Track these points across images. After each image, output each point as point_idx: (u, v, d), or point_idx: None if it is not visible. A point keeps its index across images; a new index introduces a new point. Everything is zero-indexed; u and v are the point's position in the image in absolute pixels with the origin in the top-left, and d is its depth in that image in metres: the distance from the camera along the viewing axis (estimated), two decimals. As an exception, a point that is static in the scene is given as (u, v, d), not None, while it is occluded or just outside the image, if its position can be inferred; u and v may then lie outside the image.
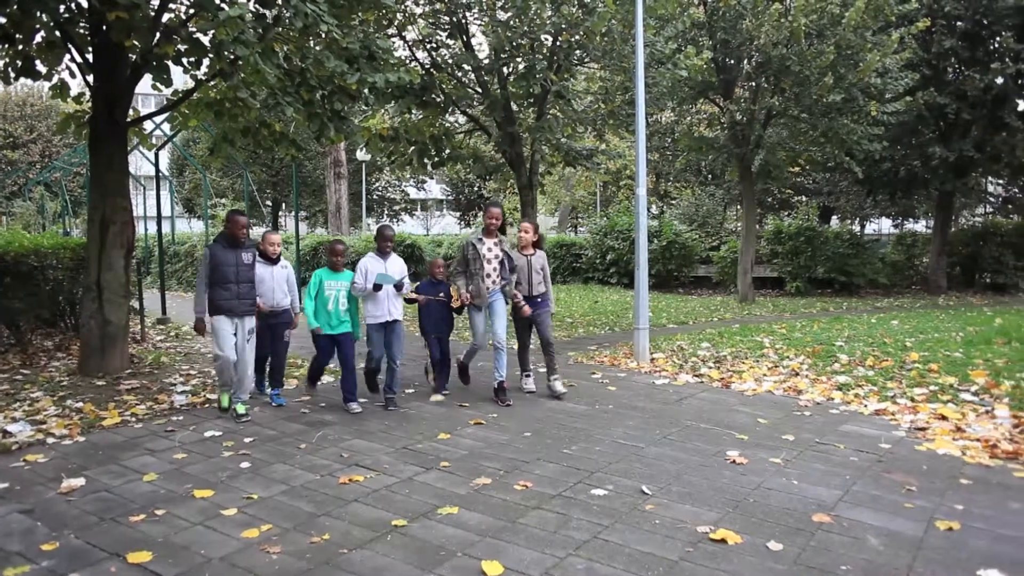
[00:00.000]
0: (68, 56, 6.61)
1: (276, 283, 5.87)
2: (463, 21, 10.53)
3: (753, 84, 14.25)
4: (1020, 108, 15.82)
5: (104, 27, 6.18)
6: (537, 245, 6.35)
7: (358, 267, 5.68)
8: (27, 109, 32.47)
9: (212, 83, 7.30)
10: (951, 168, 15.81)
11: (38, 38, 6.39)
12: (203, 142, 24.37)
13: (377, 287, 5.64)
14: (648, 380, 6.93)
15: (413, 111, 10.34)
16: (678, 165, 19.08)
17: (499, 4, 9.94)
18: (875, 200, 21.00)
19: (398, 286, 5.73)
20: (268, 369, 6.09)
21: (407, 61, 10.20)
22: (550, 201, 31.77)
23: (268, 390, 6.08)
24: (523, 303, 6.10)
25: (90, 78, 6.82)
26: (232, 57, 6.01)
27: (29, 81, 6.81)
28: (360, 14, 7.60)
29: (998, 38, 15.36)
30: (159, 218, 11.58)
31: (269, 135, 7.84)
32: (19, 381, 6.50)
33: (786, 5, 12.84)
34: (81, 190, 25.16)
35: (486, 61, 10.32)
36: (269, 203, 30.28)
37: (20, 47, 6.40)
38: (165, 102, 7.81)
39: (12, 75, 6.58)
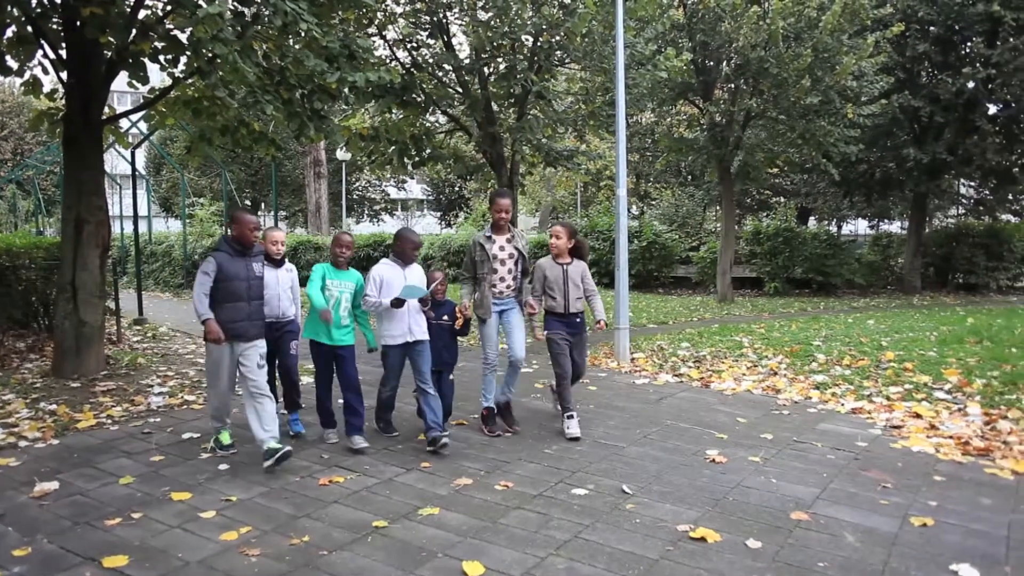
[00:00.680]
0: (41, 52, 6.49)
1: (281, 289, 4.91)
2: (444, 21, 10.51)
3: (732, 86, 14.37)
4: (990, 112, 16.16)
5: (78, 23, 6.09)
6: (576, 253, 5.18)
7: (370, 276, 4.65)
8: (-2, 106, 31.87)
9: (190, 81, 7.21)
10: (925, 170, 16.09)
11: (9, 33, 6.27)
12: (180, 140, 24.08)
13: (398, 303, 4.54)
14: (628, 380, 6.96)
15: (393, 111, 10.29)
16: (658, 166, 19.19)
17: (480, 4, 9.92)
18: (851, 201, 21.29)
19: (424, 300, 4.69)
20: (278, 390, 5.13)
21: (387, 60, 10.16)
22: (531, 201, 31.80)
23: (284, 415, 5.11)
24: (535, 314, 5.11)
25: (64, 75, 6.70)
26: (210, 55, 5.94)
27: (0, 77, 6.65)
28: (340, 13, 7.55)
29: (969, 43, 15.67)
30: (135, 217, 11.43)
31: (248, 134, 7.77)
32: (-10, 383, 6.37)
33: (764, 8, 12.98)
34: (55, 188, 24.74)
35: (467, 61, 10.30)
36: (248, 203, 29.97)
37: (-9, 42, 6.28)
38: (141, 100, 7.71)
39: (-18, 71, 6.45)
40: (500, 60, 10.04)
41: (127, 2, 6.25)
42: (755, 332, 9.82)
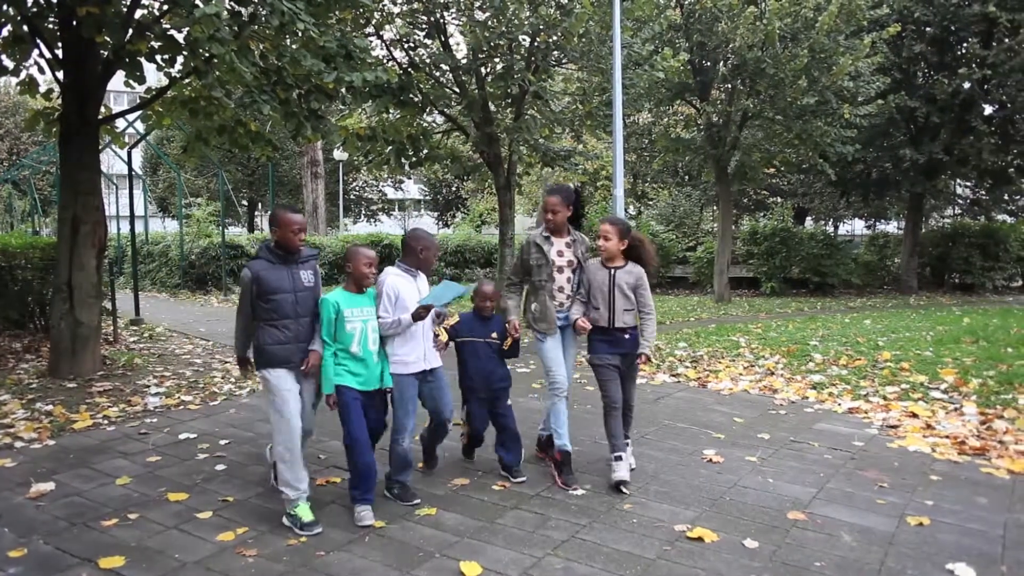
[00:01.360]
0: (37, 51, 6.47)
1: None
2: (441, 21, 10.51)
3: (729, 86, 14.40)
4: (986, 112, 16.21)
5: (74, 22, 6.07)
6: (633, 255, 4.17)
7: (384, 290, 3.71)
8: (-6, 105, 31.74)
9: (187, 81, 7.20)
10: (921, 170, 16.13)
11: (4, 32, 6.25)
12: (177, 140, 24.03)
13: (423, 311, 3.68)
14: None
15: (390, 111, 10.28)
16: (655, 166, 19.21)
17: (477, 4, 9.93)
18: (848, 201, 21.35)
19: (440, 314, 3.90)
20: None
21: (384, 60, 10.15)
22: (528, 202, 31.78)
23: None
24: (585, 332, 4.14)
25: (60, 74, 6.68)
26: (207, 55, 5.93)
27: (-4, 77, 6.63)
28: (337, 13, 7.56)
29: (965, 44, 15.72)
30: (132, 217, 11.40)
31: (245, 134, 7.75)
32: (-14, 384, 6.35)
33: (761, 9, 13.01)
34: (51, 188, 24.67)
35: (464, 61, 10.30)
36: (245, 203, 29.94)
37: (-13, 42, 6.27)
38: (138, 99, 7.69)
39: (-22, 70, 6.44)
40: (497, 60, 10.03)
41: (123, 2, 6.24)
42: (752, 332, 9.83)
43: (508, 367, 4.24)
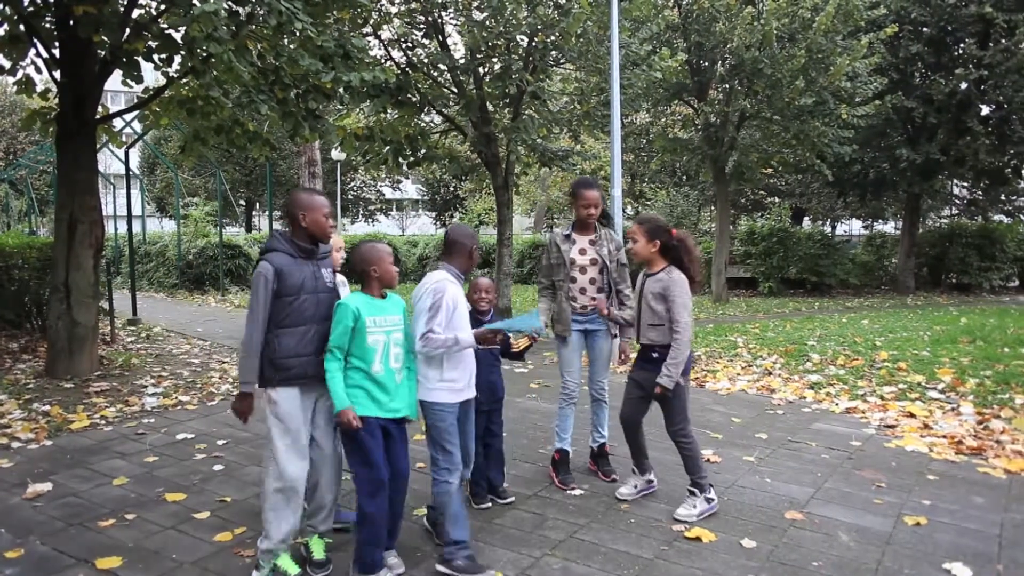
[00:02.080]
0: (33, 51, 6.46)
1: None
2: (439, 21, 10.50)
3: (726, 86, 14.42)
4: (983, 113, 16.25)
5: (71, 21, 6.06)
6: (671, 256, 3.66)
7: (444, 301, 3.05)
8: (-10, 105, 31.65)
9: (184, 81, 7.19)
10: (918, 171, 16.17)
11: (1, 31, 6.24)
12: (175, 140, 24.00)
13: (488, 338, 3.22)
14: (622, 380, 6.96)
15: (388, 110, 10.28)
16: (653, 166, 19.23)
17: (475, 4, 9.92)
18: (845, 202, 21.39)
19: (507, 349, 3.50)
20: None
21: (382, 60, 10.14)
22: (525, 201, 31.81)
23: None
24: (622, 324, 3.97)
25: (57, 74, 6.67)
26: (205, 54, 5.92)
27: (-7, 76, 6.60)
28: (335, 12, 7.54)
29: (962, 45, 15.76)
30: (129, 217, 11.38)
31: (242, 134, 7.75)
32: (-17, 384, 6.34)
33: (758, 9, 13.02)
34: (48, 188, 24.62)
35: (462, 61, 10.30)
36: (243, 203, 29.90)
37: (-17, 41, 6.25)
38: (135, 99, 7.68)
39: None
40: (495, 60, 10.04)
41: (120, 1, 6.22)
42: (750, 332, 9.84)
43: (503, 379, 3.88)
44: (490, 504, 3.74)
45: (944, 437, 4.90)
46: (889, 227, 27.97)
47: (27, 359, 7.55)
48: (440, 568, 2.97)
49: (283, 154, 26.18)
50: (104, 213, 7.19)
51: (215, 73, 6.37)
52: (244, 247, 16.45)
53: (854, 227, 31.68)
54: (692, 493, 3.66)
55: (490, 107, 10.70)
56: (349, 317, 2.90)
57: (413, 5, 10.31)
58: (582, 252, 4.07)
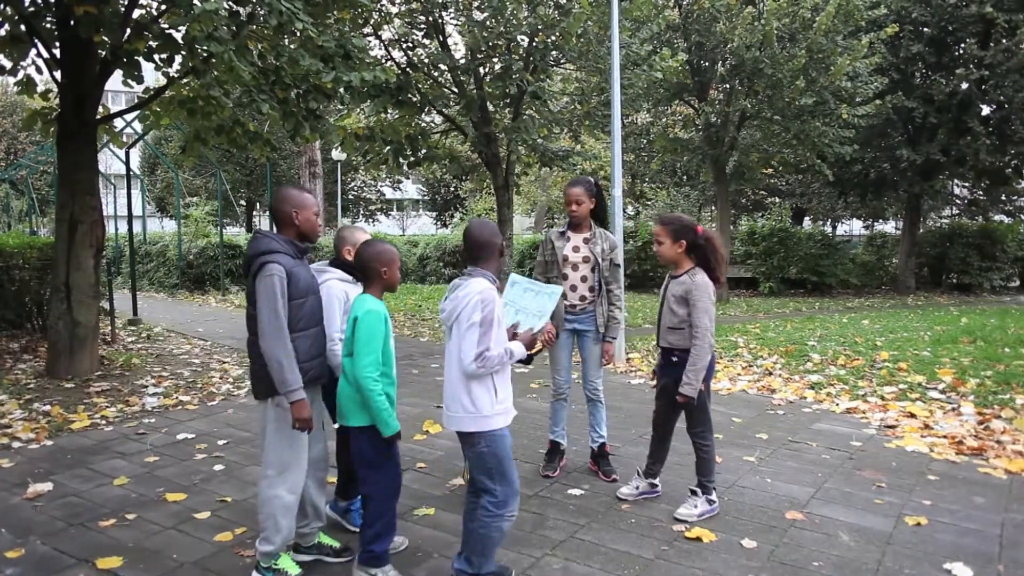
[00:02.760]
0: (34, 51, 6.46)
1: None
2: (439, 21, 10.51)
3: (727, 86, 14.42)
4: (983, 113, 16.24)
5: (72, 22, 6.06)
6: (696, 256, 3.56)
7: (495, 314, 2.74)
8: (-9, 105, 31.66)
9: (185, 81, 7.19)
10: (919, 171, 16.17)
11: (1, 32, 6.24)
12: (175, 140, 24.00)
13: (534, 343, 3.02)
14: (624, 380, 6.97)
15: (389, 110, 10.29)
16: (653, 166, 19.22)
17: (475, 4, 9.93)
18: (846, 201, 21.39)
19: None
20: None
21: (383, 60, 10.15)
22: (526, 201, 31.80)
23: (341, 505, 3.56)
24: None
25: (57, 74, 6.68)
26: (205, 54, 5.92)
27: (-6, 76, 6.60)
28: (335, 12, 7.54)
29: (962, 44, 15.75)
30: (130, 217, 11.39)
31: (243, 134, 7.75)
32: (-17, 384, 6.34)
33: (759, 9, 13.02)
34: (48, 188, 24.62)
35: (462, 61, 10.31)
36: (243, 203, 29.90)
37: (-17, 41, 6.25)
38: (136, 99, 7.68)
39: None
40: (496, 60, 10.05)
41: (121, 1, 6.23)
42: (750, 332, 9.84)
43: None
44: None
45: (945, 437, 4.89)
46: (890, 227, 27.97)
47: (28, 359, 7.56)
48: None
49: (283, 154, 26.19)
50: (105, 213, 7.19)
51: (216, 73, 6.37)
52: (245, 247, 16.43)
53: (854, 227, 31.68)
54: (694, 493, 3.66)
55: (490, 107, 10.71)
56: (383, 323, 2.81)
57: (413, 5, 10.31)
58: (575, 249, 4.09)
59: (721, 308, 13.75)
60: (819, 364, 7.42)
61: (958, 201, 24.57)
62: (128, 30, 6.08)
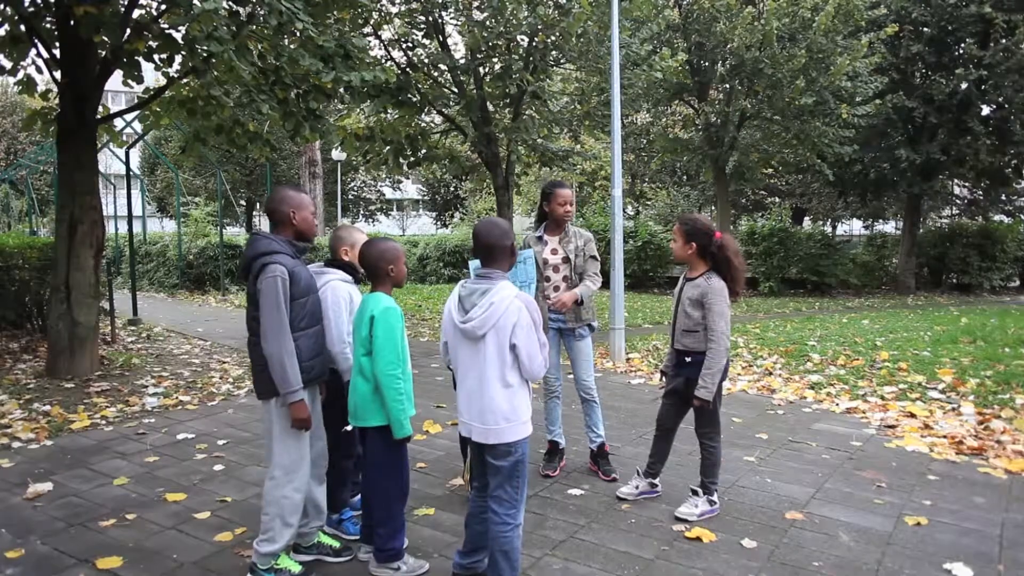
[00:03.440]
0: (34, 51, 6.47)
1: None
2: (439, 21, 10.51)
3: (727, 86, 14.43)
4: (983, 113, 16.25)
5: (72, 22, 6.06)
6: (709, 259, 3.54)
7: (533, 317, 2.67)
8: (-9, 105, 31.65)
9: (185, 81, 7.19)
10: (919, 171, 16.17)
11: (2, 32, 6.24)
12: (175, 140, 24.00)
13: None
14: (624, 380, 6.97)
15: (389, 110, 10.29)
16: (653, 166, 19.25)
17: (475, 4, 9.94)
18: (846, 201, 21.40)
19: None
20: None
21: (383, 60, 10.15)
22: (526, 202, 31.80)
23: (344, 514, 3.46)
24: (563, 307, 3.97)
25: (58, 74, 6.68)
26: (205, 54, 5.92)
27: (-6, 76, 6.60)
28: (335, 12, 7.55)
29: (962, 44, 15.75)
30: (130, 217, 11.39)
31: (243, 134, 7.75)
32: (-17, 384, 6.34)
33: (759, 9, 13.03)
34: (48, 188, 24.62)
35: (462, 61, 10.31)
36: (243, 203, 29.90)
37: (-16, 42, 6.26)
38: (136, 99, 7.68)
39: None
40: (495, 60, 10.04)
41: (121, 1, 6.23)
42: (750, 332, 9.84)
43: None
44: None
45: (945, 437, 4.89)
46: (890, 227, 27.97)
47: (28, 359, 7.55)
48: None
49: (283, 154, 26.20)
50: (105, 213, 7.19)
51: (216, 73, 6.37)
52: (244, 247, 16.42)
53: (855, 227, 31.67)
54: (695, 493, 3.65)
55: (490, 107, 10.71)
56: (400, 320, 2.87)
57: (413, 5, 10.31)
58: (554, 252, 4.16)
59: (721, 308, 13.74)
60: (819, 364, 7.42)
61: (958, 201, 24.57)
62: (128, 30, 6.08)
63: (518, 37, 9.88)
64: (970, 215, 23.11)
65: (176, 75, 6.90)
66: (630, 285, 17.02)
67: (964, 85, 15.21)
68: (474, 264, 2.86)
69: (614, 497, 3.85)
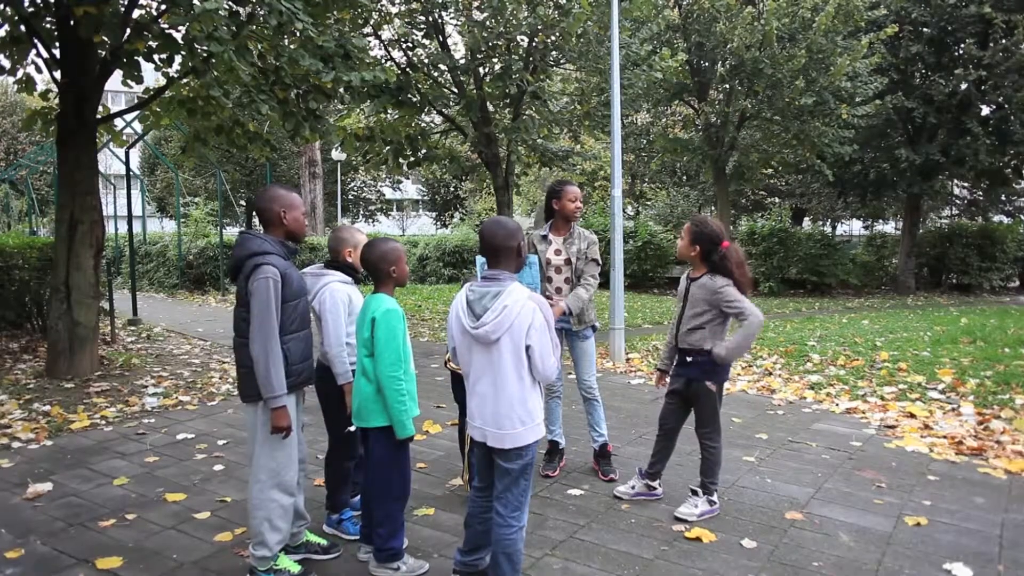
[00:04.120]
0: (34, 51, 6.47)
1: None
2: (439, 21, 10.51)
3: (727, 86, 14.43)
4: (983, 113, 16.25)
5: (72, 22, 6.06)
6: (710, 262, 3.55)
7: (547, 320, 2.62)
8: (-9, 105, 31.64)
9: (184, 81, 7.19)
10: (918, 171, 16.17)
11: (1, 32, 6.24)
12: (175, 140, 24.00)
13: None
14: (624, 380, 6.97)
15: (389, 111, 10.29)
16: (653, 166, 19.25)
17: (475, 4, 9.94)
18: (846, 202, 21.39)
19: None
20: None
21: (383, 60, 10.15)
22: (526, 202, 31.82)
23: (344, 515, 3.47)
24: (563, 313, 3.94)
25: (57, 74, 6.68)
26: (205, 54, 5.92)
27: (-6, 76, 6.60)
28: (335, 12, 7.55)
29: (962, 45, 15.75)
30: (130, 217, 11.39)
31: (243, 134, 7.75)
32: (-17, 384, 6.34)
33: (759, 9, 13.03)
34: (48, 188, 24.61)
35: (462, 61, 10.31)
36: (243, 203, 29.91)
37: (-16, 42, 6.26)
38: (136, 99, 7.68)
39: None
40: (495, 60, 10.04)
41: (121, 1, 6.23)
42: (750, 332, 9.84)
43: None
44: None
45: (944, 437, 4.89)
46: (889, 227, 27.98)
47: (27, 359, 7.55)
48: None
49: (283, 154, 26.20)
50: (104, 213, 7.19)
51: (216, 73, 6.36)
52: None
53: (854, 227, 31.67)
54: (695, 493, 3.65)
55: (490, 107, 10.71)
56: (402, 321, 2.86)
57: (413, 5, 10.31)
58: (557, 252, 4.14)
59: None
60: (819, 364, 7.42)
61: (958, 201, 24.58)
62: (128, 30, 6.08)
63: (518, 37, 9.88)
64: (970, 215, 23.12)
65: (176, 75, 6.90)
66: (630, 285, 17.02)
67: (964, 85, 15.22)
68: (480, 261, 2.80)
69: (614, 497, 3.85)
